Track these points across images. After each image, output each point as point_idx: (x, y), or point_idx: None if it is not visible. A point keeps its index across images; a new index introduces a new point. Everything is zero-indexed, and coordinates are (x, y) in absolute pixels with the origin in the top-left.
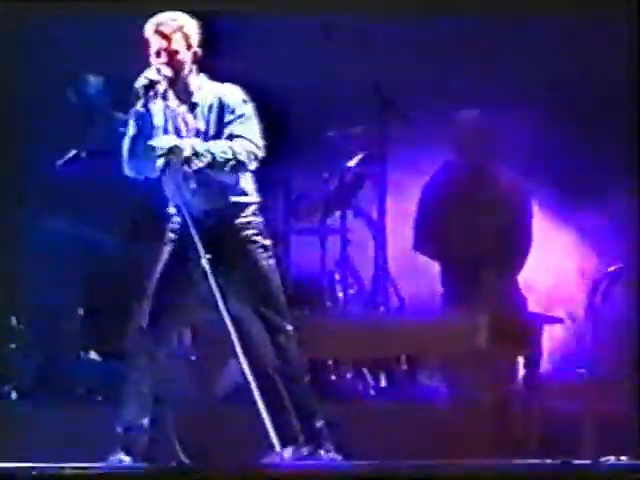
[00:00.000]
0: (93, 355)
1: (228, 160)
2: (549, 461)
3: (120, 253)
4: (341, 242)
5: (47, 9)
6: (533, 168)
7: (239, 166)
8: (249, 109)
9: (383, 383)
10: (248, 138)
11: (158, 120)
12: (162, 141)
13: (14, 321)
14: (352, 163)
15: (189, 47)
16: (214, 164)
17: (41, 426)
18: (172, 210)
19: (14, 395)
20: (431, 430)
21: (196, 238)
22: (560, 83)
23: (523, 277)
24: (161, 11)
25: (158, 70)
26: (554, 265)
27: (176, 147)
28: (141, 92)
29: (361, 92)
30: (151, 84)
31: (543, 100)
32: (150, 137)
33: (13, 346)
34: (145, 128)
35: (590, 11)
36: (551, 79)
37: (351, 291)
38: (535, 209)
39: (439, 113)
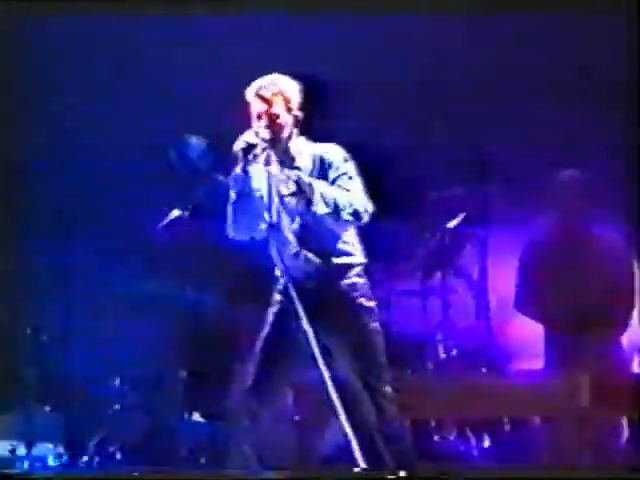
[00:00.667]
0: (197, 417)
1: (345, 208)
2: None
3: (224, 315)
4: (442, 303)
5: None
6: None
7: (354, 216)
8: (351, 167)
9: (486, 444)
10: (356, 192)
11: (257, 183)
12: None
13: (118, 382)
14: (453, 224)
15: (289, 110)
16: (334, 211)
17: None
18: (278, 272)
19: (119, 456)
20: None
21: (296, 300)
22: None
23: (627, 337)
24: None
25: (257, 133)
26: None
27: (307, 185)
28: (240, 155)
29: (462, 153)
30: (249, 147)
31: None
32: (250, 200)
33: (117, 407)
34: (245, 191)
35: None
36: None
37: (453, 352)
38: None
39: (538, 173)
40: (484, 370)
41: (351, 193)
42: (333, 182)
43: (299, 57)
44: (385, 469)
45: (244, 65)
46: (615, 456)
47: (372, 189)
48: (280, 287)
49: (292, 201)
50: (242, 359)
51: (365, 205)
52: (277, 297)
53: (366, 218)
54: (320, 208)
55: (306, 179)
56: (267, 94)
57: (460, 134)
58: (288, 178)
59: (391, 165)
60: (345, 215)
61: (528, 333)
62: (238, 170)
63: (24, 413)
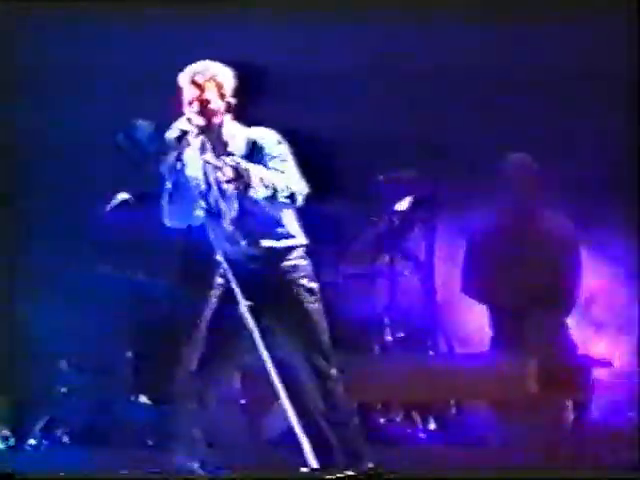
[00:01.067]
0: (143, 399)
1: (282, 190)
2: None
3: (169, 298)
4: (390, 286)
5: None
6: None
7: (290, 199)
8: (285, 149)
9: (432, 426)
10: (291, 174)
11: (192, 171)
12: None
13: (64, 365)
14: (401, 206)
15: (222, 96)
16: (272, 195)
17: (92, 470)
18: (219, 256)
19: (66, 439)
20: (479, 474)
21: (234, 284)
22: None
23: (571, 321)
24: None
25: (189, 120)
26: (602, 307)
27: (245, 170)
28: (174, 143)
29: (411, 136)
30: (183, 134)
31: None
32: (186, 188)
33: (64, 390)
34: (180, 179)
35: None
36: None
37: (400, 335)
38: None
39: (488, 156)
40: (431, 353)
41: (286, 175)
42: (266, 165)
43: (234, 43)
44: (333, 461)
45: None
46: (561, 440)
47: (321, 172)
48: (221, 270)
49: (230, 187)
50: (187, 342)
51: (301, 187)
52: (219, 280)
53: (301, 200)
54: (259, 192)
55: (243, 164)
56: (200, 80)
57: (410, 116)
58: (225, 164)
59: (340, 148)
60: (281, 198)
61: (475, 316)
62: (172, 158)
63: None
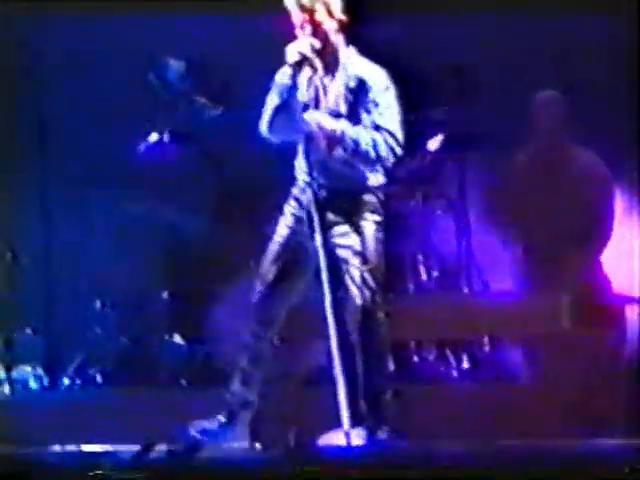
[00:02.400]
0: (177, 339)
1: (369, 152)
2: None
3: (205, 237)
4: (423, 225)
5: None
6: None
7: (377, 160)
8: (392, 98)
9: (466, 365)
10: (392, 132)
11: (303, 95)
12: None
13: (99, 305)
14: (433, 145)
15: (332, 15)
16: (355, 153)
17: (126, 410)
18: (301, 177)
19: (99, 379)
20: (513, 411)
21: (315, 212)
22: None
23: (606, 257)
24: None
25: (312, 45)
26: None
27: (325, 127)
28: (291, 65)
29: (441, 74)
30: (303, 59)
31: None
32: (294, 111)
33: (98, 330)
34: (290, 101)
35: None
36: None
37: (435, 273)
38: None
39: (519, 94)
40: (465, 291)
41: (387, 136)
42: (370, 112)
43: None
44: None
45: None
46: (596, 378)
47: None
48: (295, 198)
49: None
50: (222, 282)
51: (396, 149)
52: (291, 208)
53: (390, 161)
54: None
55: (350, 132)
56: (307, 1)
57: (441, 55)
58: (333, 134)
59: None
60: (383, 152)
61: (509, 255)
62: (287, 79)
63: (3, 336)
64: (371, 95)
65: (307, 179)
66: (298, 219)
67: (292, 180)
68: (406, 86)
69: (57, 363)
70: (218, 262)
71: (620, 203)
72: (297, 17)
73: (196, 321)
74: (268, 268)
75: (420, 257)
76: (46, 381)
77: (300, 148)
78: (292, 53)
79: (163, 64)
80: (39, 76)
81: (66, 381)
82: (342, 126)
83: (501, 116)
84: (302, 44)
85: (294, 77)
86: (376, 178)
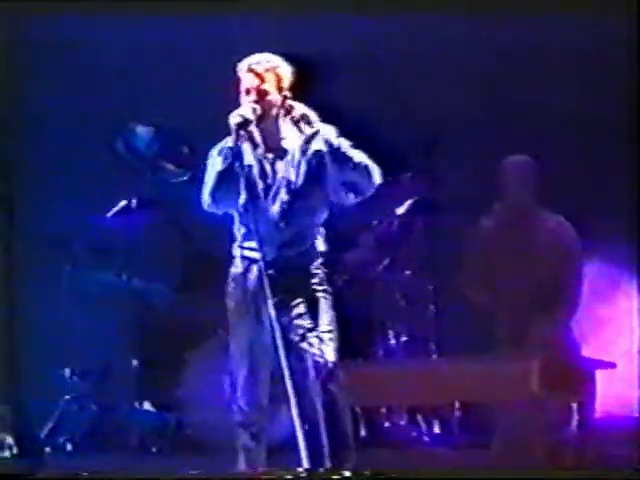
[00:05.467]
0: (147, 406)
1: (361, 172)
2: None
3: (172, 303)
4: (391, 289)
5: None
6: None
7: (363, 176)
8: (347, 143)
9: (437, 429)
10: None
11: (248, 159)
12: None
13: (68, 373)
14: (401, 210)
15: (280, 89)
16: (347, 171)
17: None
18: (238, 252)
19: (69, 447)
20: (484, 476)
21: (265, 280)
22: None
23: (575, 322)
24: None
25: (254, 109)
26: (604, 309)
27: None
28: (233, 130)
29: (410, 138)
30: (245, 122)
31: None
32: (239, 175)
33: (68, 397)
34: (235, 166)
35: None
36: None
37: (403, 338)
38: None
39: (487, 159)
40: (434, 356)
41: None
42: (325, 166)
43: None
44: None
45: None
46: (564, 440)
47: None
48: (238, 270)
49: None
50: (190, 349)
51: (377, 176)
52: (231, 289)
53: (372, 188)
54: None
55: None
56: (259, 69)
57: (408, 118)
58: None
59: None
60: (376, 177)
61: (477, 318)
62: (229, 144)
63: None
64: (328, 148)
65: (252, 255)
66: (241, 299)
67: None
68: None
69: (26, 432)
70: (186, 330)
71: (590, 268)
72: (246, 82)
73: (166, 389)
74: (237, 350)
75: (388, 322)
76: (15, 449)
77: (238, 220)
78: (234, 117)
79: (130, 130)
80: (8, 140)
81: (35, 449)
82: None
83: (469, 179)
84: (246, 108)
85: (237, 142)
86: (322, 244)
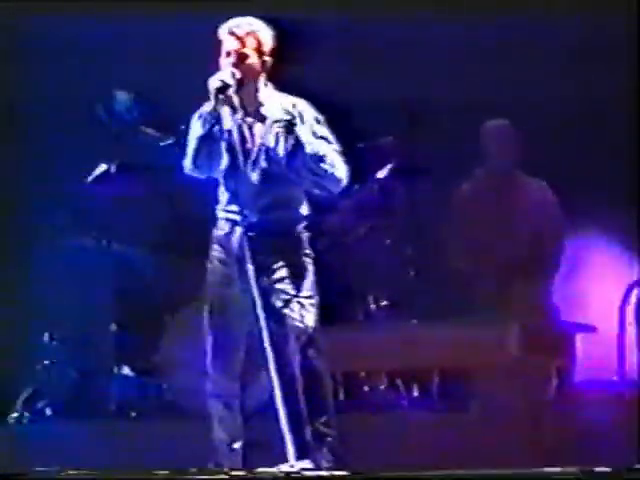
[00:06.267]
0: (126, 371)
1: (328, 171)
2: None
3: (152, 268)
4: (372, 255)
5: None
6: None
7: (329, 178)
8: (325, 129)
9: (416, 394)
10: (341, 160)
11: (228, 123)
12: None
13: (47, 337)
14: (382, 174)
15: (261, 54)
16: (308, 166)
17: (75, 442)
18: (222, 215)
19: (49, 411)
20: (463, 441)
21: (247, 248)
22: None
23: (556, 285)
24: None
25: (233, 74)
26: (585, 273)
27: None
28: (212, 94)
29: (390, 104)
30: (224, 86)
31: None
32: (219, 140)
33: (47, 362)
34: (214, 130)
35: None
36: None
37: (383, 303)
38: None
39: (467, 123)
40: (414, 321)
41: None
42: (305, 143)
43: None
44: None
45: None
46: (544, 406)
47: None
48: (220, 233)
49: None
50: (169, 313)
51: (343, 173)
52: (216, 247)
53: (338, 189)
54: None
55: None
56: (240, 32)
57: (390, 83)
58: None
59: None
60: (339, 173)
61: (458, 283)
62: (208, 108)
63: None
64: (304, 126)
65: (235, 218)
66: (224, 262)
67: (214, 221)
68: (350, 119)
69: (5, 397)
70: (167, 294)
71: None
72: (226, 45)
73: (145, 353)
74: (212, 318)
75: (369, 287)
76: None
77: (222, 183)
78: (214, 81)
79: (111, 96)
80: None
81: (14, 415)
82: (303, 135)
83: (450, 143)
84: (225, 73)
85: (216, 106)
86: (306, 209)
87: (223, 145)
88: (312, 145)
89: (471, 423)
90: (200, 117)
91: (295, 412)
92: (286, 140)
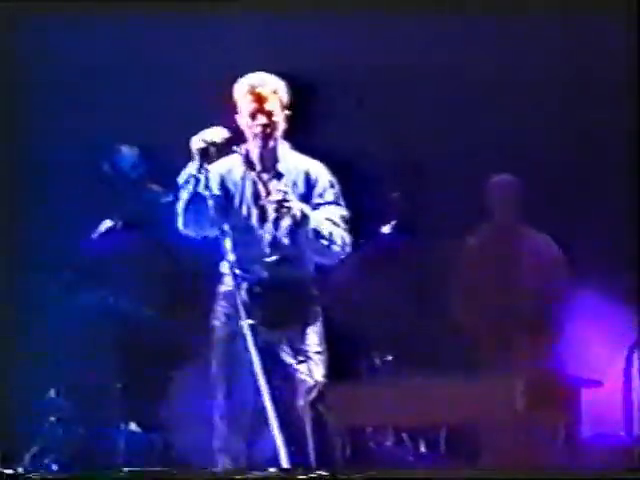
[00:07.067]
0: (133, 427)
1: (323, 242)
2: None
3: (158, 325)
4: (377, 309)
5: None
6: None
7: (327, 253)
8: (338, 194)
9: (422, 449)
10: (343, 229)
11: (242, 178)
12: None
13: (53, 393)
14: (386, 229)
15: (283, 109)
16: (309, 239)
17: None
18: (228, 270)
19: (55, 467)
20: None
21: (240, 300)
22: None
23: (560, 339)
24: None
25: (217, 134)
26: (591, 326)
27: (285, 203)
28: (196, 154)
29: (395, 159)
30: (207, 147)
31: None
32: (206, 200)
33: (53, 419)
34: (200, 191)
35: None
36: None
37: (389, 357)
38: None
39: (471, 178)
40: (419, 376)
41: (342, 231)
42: (317, 206)
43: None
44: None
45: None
46: (551, 460)
47: None
48: (225, 295)
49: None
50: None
51: (347, 245)
52: (221, 308)
53: (335, 260)
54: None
55: (298, 206)
56: (264, 91)
57: (394, 140)
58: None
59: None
60: (336, 248)
61: (463, 340)
62: (193, 169)
63: None
64: (317, 191)
65: (242, 273)
66: (230, 318)
67: (219, 277)
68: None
69: (12, 453)
70: (170, 351)
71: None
72: (250, 105)
73: (151, 409)
74: (220, 373)
75: (374, 342)
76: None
77: (229, 239)
78: (196, 141)
79: (116, 152)
80: None
81: (21, 471)
82: (301, 206)
83: (453, 199)
84: (208, 133)
85: (200, 168)
86: (312, 264)
87: (214, 205)
88: (314, 220)
89: (478, 478)
90: (185, 178)
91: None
92: (289, 216)
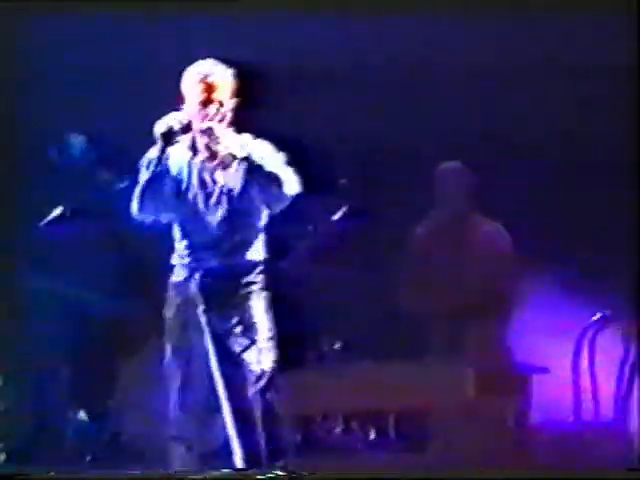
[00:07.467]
0: (82, 415)
1: (275, 179)
2: None
3: (106, 312)
4: (325, 296)
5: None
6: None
7: (279, 194)
8: (281, 162)
9: (372, 436)
10: (291, 171)
11: (175, 167)
12: None
13: (1, 382)
14: (336, 216)
15: (230, 97)
16: (260, 185)
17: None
18: (179, 261)
19: (2, 456)
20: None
21: (195, 287)
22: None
23: (509, 327)
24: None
25: (180, 118)
26: (540, 314)
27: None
28: (159, 138)
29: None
30: (170, 131)
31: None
32: (165, 184)
33: (1, 407)
34: (160, 174)
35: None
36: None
37: (337, 345)
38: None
39: (423, 164)
40: (369, 362)
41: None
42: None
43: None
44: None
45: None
46: (500, 447)
47: None
48: (177, 281)
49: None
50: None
51: (294, 186)
52: (172, 298)
53: (291, 193)
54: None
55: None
56: (212, 79)
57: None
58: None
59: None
60: (287, 189)
61: (412, 324)
62: (154, 153)
63: None
64: (264, 169)
65: (192, 263)
66: (182, 308)
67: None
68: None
69: None
70: (122, 338)
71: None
72: (199, 93)
73: (100, 397)
74: (173, 361)
75: (323, 328)
76: None
77: (178, 229)
78: (160, 125)
79: (64, 139)
80: None
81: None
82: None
83: (404, 185)
84: (171, 117)
85: (163, 151)
86: (260, 252)
87: (169, 189)
88: (265, 165)
89: (427, 465)
90: (146, 161)
91: (253, 455)
92: (246, 174)
